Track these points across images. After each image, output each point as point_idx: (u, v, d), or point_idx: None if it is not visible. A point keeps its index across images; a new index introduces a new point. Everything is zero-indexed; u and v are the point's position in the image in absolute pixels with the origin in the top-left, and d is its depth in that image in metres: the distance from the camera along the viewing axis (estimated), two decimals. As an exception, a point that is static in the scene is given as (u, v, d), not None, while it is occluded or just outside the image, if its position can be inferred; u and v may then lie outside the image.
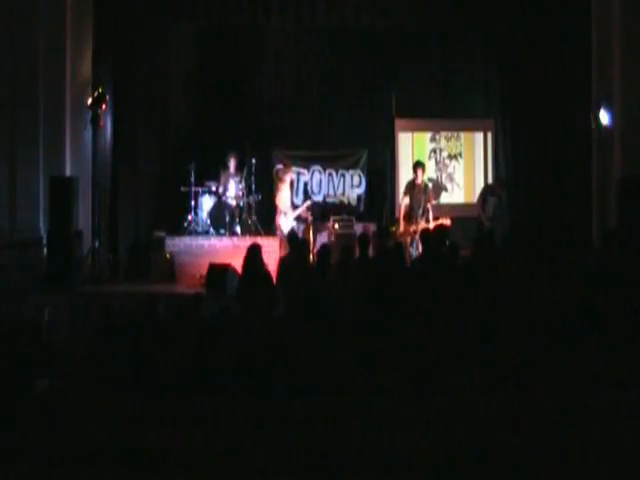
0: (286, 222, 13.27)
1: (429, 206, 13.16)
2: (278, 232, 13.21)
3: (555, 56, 14.64)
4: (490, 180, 14.81)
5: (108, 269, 13.46)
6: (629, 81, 13.22)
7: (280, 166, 14.69)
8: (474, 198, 14.83)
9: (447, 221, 12.66)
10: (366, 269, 9.16)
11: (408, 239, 12.84)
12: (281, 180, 13.74)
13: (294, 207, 13.64)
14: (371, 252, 10.65)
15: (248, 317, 8.66)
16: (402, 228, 13.12)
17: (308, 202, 14.02)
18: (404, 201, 13.33)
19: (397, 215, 13.89)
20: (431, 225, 12.75)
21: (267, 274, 9.45)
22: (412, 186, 13.30)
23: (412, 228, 12.94)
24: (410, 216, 13.11)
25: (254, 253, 9.27)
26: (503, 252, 9.72)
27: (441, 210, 14.11)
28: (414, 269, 10.12)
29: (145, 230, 14.38)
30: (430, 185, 13.82)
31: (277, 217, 13.39)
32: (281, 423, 5.31)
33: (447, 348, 6.71)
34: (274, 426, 5.24)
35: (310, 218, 13.65)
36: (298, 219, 13.50)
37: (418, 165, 13.48)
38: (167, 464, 4.87)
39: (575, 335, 7.49)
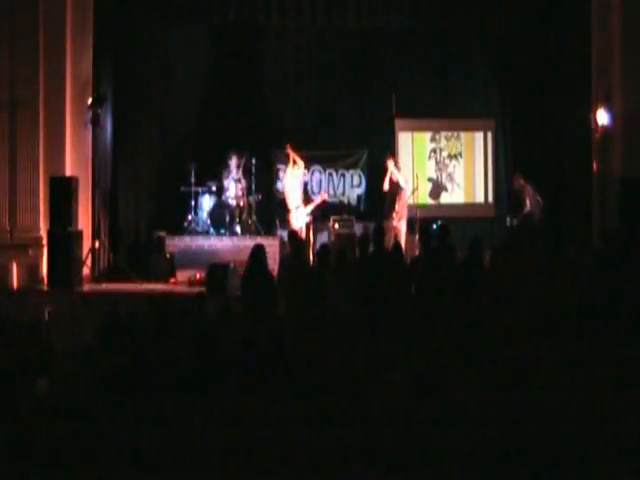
0: (299, 218, 13.18)
1: (397, 206, 13.29)
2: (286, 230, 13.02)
3: (555, 56, 14.65)
4: (490, 180, 14.83)
5: (108, 269, 13.47)
6: (629, 81, 13.23)
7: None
8: (474, 198, 14.84)
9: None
10: (366, 268, 9.16)
11: (392, 236, 12.87)
12: (292, 172, 13.61)
13: (305, 202, 13.58)
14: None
15: (249, 317, 8.66)
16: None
17: (325, 195, 14.04)
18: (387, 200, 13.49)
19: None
20: (395, 223, 13.17)
21: (270, 274, 9.45)
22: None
23: (394, 223, 13.19)
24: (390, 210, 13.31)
25: (258, 253, 9.25)
26: (502, 252, 9.71)
27: (441, 210, 14.13)
28: (413, 269, 10.13)
29: (145, 230, 14.39)
30: (402, 182, 13.73)
31: (288, 215, 13.25)
32: (281, 423, 5.31)
33: (447, 348, 6.71)
34: (274, 426, 5.24)
35: (310, 218, 13.64)
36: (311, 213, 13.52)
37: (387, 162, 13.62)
38: (167, 464, 4.87)
39: (575, 335, 7.50)
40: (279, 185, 13.66)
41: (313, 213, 13.65)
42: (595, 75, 14.05)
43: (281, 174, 14.70)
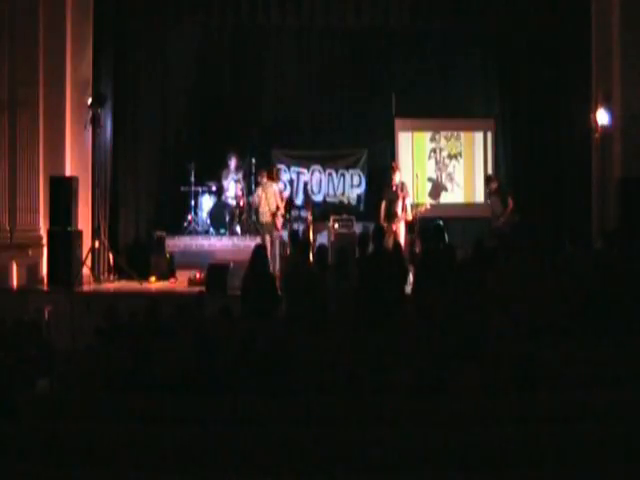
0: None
1: (407, 202, 13.31)
2: (277, 233, 13.08)
3: (555, 56, 14.66)
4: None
5: (108, 269, 13.48)
6: (629, 81, 13.23)
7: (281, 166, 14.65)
8: (474, 198, 14.84)
9: (426, 207, 13.39)
10: (365, 268, 9.16)
11: (391, 238, 12.86)
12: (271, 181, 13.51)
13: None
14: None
15: (249, 317, 8.66)
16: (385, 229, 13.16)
17: (286, 194, 13.99)
18: (382, 205, 13.37)
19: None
20: (409, 217, 13.22)
21: (270, 275, 9.46)
22: (387, 189, 13.41)
23: (393, 227, 13.06)
24: (388, 216, 13.19)
25: (259, 253, 9.25)
26: (502, 252, 9.72)
27: (441, 210, 14.12)
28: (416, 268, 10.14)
29: (145, 230, 14.39)
30: (404, 181, 13.74)
31: (276, 219, 13.28)
32: (281, 423, 5.31)
33: (448, 348, 6.71)
34: (274, 426, 5.24)
35: (310, 218, 13.64)
36: (296, 219, 13.50)
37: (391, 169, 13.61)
38: (167, 464, 4.87)
39: (575, 334, 7.50)
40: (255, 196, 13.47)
41: (313, 214, 13.67)
42: (595, 75, 14.06)
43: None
